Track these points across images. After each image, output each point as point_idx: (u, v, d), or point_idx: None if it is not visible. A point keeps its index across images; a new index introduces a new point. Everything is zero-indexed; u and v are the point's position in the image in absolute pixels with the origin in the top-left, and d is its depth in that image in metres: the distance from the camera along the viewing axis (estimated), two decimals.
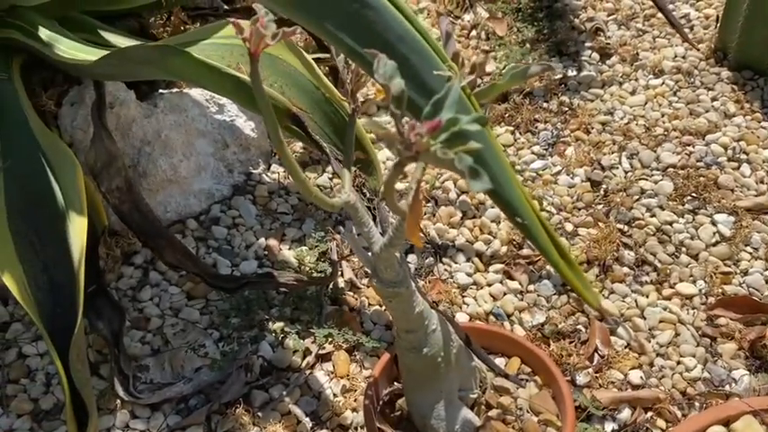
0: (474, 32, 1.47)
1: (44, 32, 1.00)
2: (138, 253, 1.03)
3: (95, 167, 0.90)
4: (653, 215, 1.08)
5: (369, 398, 0.64)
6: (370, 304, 0.98)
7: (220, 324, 0.94)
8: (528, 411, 0.64)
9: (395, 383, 0.68)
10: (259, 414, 0.84)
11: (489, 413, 0.64)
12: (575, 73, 1.34)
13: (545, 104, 1.29)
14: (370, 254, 0.53)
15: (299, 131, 0.74)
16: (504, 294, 0.98)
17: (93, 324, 0.86)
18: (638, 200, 1.10)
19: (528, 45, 1.42)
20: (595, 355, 0.89)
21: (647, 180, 1.13)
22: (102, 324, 0.86)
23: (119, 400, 0.84)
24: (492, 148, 0.62)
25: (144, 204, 0.93)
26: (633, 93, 1.30)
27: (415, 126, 0.35)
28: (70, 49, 0.96)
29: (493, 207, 1.08)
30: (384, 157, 1.13)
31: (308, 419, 0.84)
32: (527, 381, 0.67)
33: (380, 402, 0.65)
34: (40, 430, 0.83)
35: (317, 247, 1.05)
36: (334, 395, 0.87)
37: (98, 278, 0.88)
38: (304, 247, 1.05)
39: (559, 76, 1.33)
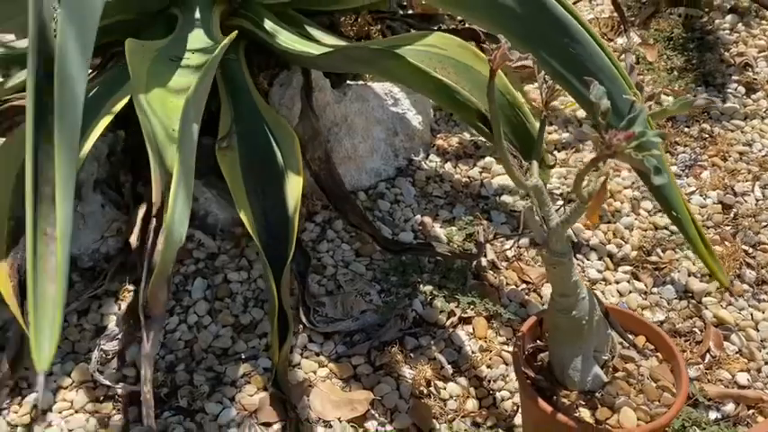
0: (625, 56, 1.58)
1: (268, 24, 1.23)
2: (317, 213, 1.24)
3: (303, 139, 1.11)
4: None
5: (517, 347, 0.80)
6: (507, 284, 1.13)
7: (382, 279, 1.13)
8: (648, 378, 0.78)
9: (537, 341, 0.83)
10: (411, 355, 1.02)
11: (616, 374, 0.78)
12: (719, 103, 1.43)
13: (686, 129, 1.39)
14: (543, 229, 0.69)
15: (484, 129, 0.91)
16: (630, 292, 1.11)
17: None
18: (765, 226, 1.19)
19: (676, 73, 1.52)
20: (707, 355, 1.01)
21: None
22: (293, 264, 1.07)
23: (301, 326, 1.05)
24: (663, 159, 0.76)
25: (336, 173, 1.13)
26: None
27: (616, 134, 0.51)
28: (289, 41, 1.18)
29: (628, 215, 1.21)
30: None
31: (449, 366, 1.01)
32: (650, 355, 0.81)
33: (525, 354, 0.81)
34: (239, 339, 1.05)
35: (464, 229, 1.22)
36: (473, 352, 1.03)
37: None
38: (453, 228, 1.22)
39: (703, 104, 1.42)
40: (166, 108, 0.77)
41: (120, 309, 1.07)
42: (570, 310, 0.73)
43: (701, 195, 1.25)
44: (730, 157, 1.32)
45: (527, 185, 0.64)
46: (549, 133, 1.38)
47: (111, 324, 1.05)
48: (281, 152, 1.03)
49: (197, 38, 1.01)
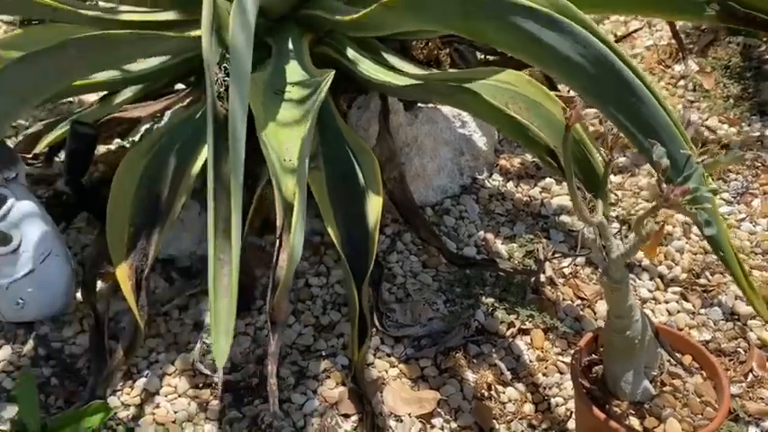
0: (682, 82, 1.65)
1: (350, 52, 1.34)
2: (387, 226, 1.35)
3: (380, 160, 1.22)
4: None
5: (575, 360, 0.90)
6: (563, 299, 1.23)
7: (447, 290, 1.24)
8: (693, 393, 0.87)
9: (593, 355, 0.93)
10: (473, 361, 1.13)
11: (663, 389, 0.88)
12: None
13: None
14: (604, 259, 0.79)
15: (552, 163, 1.01)
16: (678, 312, 1.19)
17: None
18: None
19: (732, 101, 1.58)
20: (750, 374, 1.09)
21: None
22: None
23: (374, 329, 1.17)
24: (714, 208, 0.85)
25: (408, 191, 1.25)
26: None
27: (673, 189, 0.60)
28: (371, 70, 1.29)
29: (679, 239, 1.29)
30: None
31: (508, 373, 1.12)
32: (695, 372, 0.90)
33: (581, 366, 0.91)
34: (320, 338, 1.17)
35: (524, 246, 1.32)
36: (530, 361, 1.13)
37: None
38: (514, 245, 1.33)
39: (757, 134, 1.49)
40: (279, 140, 0.89)
41: None
42: (624, 331, 0.83)
43: (751, 223, 1.32)
44: None
45: (592, 222, 0.74)
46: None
47: (208, 319, 1.19)
48: (363, 173, 1.15)
49: (293, 70, 1.14)
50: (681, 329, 1.16)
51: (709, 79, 1.62)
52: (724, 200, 1.38)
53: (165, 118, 1.52)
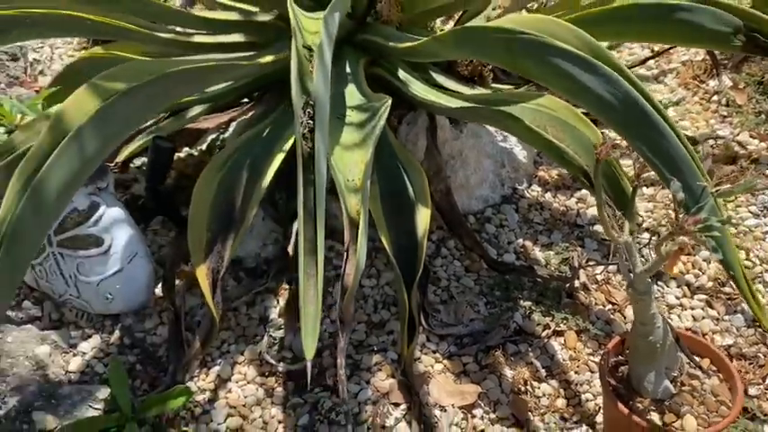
0: (716, 97, 1.72)
1: (402, 74, 1.46)
2: (433, 232, 1.47)
3: (428, 174, 1.34)
4: None
5: (603, 360, 1.01)
6: (596, 304, 1.33)
7: (487, 293, 1.36)
8: (709, 393, 0.97)
9: (619, 356, 1.04)
10: (511, 359, 1.25)
11: (682, 388, 0.98)
12: None
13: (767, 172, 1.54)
14: (630, 274, 0.90)
15: (585, 182, 1.12)
16: (703, 318, 1.28)
17: None
18: None
19: (763, 116, 1.65)
20: None
21: None
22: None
23: (421, 327, 1.29)
24: (725, 233, 0.94)
25: (454, 202, 1.37)
26: None
27: (687, 219, 0.71)
28: (421, 90, 1.41)
29: (706, 249, 1.38)
30: None
31: (543, 370, 1.23)
32: (713, 375, 1.00)
33: (609, 366, 1.02)
34: (371, 334, 1.30)
35: (561, 254, 1.43)
36: (563, 360, 1.24)
37: None
38: (551, 252, 1.43)
39: None
40: (343, 162, 1.02)
41: (278, 303, 1.35)
42: (648, 336, 0.93)
43: None
44: None
45: (620, 241, 0.85)
46: None
47: (273, 315, 1.33)
48: (413, 187, 1.27)
49: (352, 94, 1.26)
50: (705, 334, 1.25)
51: (742, 95, 1.70)
52: (751, 212, 1.46)
53: (230, 129, 1.67)
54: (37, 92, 2.05)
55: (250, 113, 1.62)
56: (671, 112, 1.70)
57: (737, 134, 1.62)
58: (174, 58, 1.18)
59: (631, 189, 0.87)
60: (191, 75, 1.03)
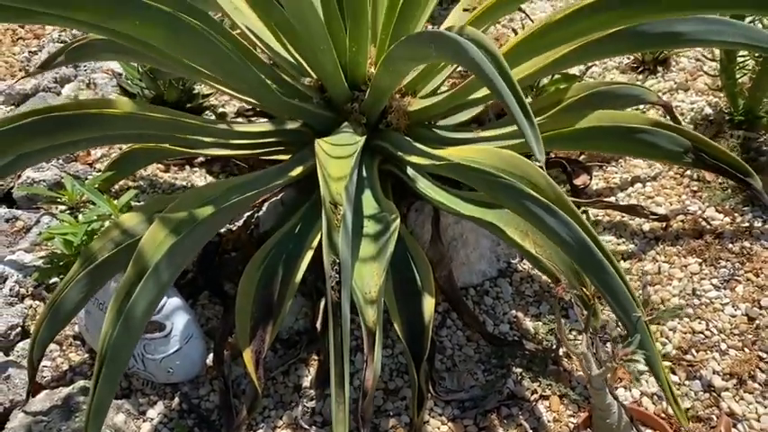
0: (689, 172, 1.95)
1: (410, 172, 1.72)
2: (439, 305, 1.72)
3: (433, 261, 1.60)
4: None
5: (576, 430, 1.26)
6: (576, 370, 1.58)
7: (485, 361, 1.61)
8: None
9: (588, 429, 1.29)
10: (504, 421, 1.50)
11: None
12: (760, 224, 1.79)
13: (730, 245, 1.77)
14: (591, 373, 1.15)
15: (555, 288, 1.37)
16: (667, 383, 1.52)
17: None
18: None
19: (729, 191, 1.88)
20: None
21: None
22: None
23: (429, 393, 1.54)
24: (654, 354, 1.17)
25: (455, 284, 1.62)
26: None
27: (618, 353, 0.96)
28: (426, 187, 1.66)
29: (672, 320, 1.62)
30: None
31: (531, 431, 1.48)
32: None
33: None
34: (387, 400, 1.55)
35: (548, 324, 1.67)
36: (548, 421, 1.49)
37: None
38: (539, 323, 1.68)
39: (747, 224, 1.79)
40: (361, 276, 1.28)
41: (309, 373, 1.61)
42: (606, 419, 1.18)
43: (733, 307, 1.64)
44: (762, 274, 1.69)
45: (576, 353, 1.10)
46: (618, 245, 1.80)
47: (305, 383, 1.59)
48: (419, 275, 1.53)
49: (368, 203, 1.52)
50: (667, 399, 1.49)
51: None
52: (713, 285, 1.69)
53: (263, 208, 1.94)
54: (90, 165, 2.33)
55: (281, 194, 1.89)
56: (648, 188, 1.94)
57: (705, 210, 1.85)
58: (222, 180, 1.45)
59: (590, 306, 1.11)
60: (237, 206, 1.29)
